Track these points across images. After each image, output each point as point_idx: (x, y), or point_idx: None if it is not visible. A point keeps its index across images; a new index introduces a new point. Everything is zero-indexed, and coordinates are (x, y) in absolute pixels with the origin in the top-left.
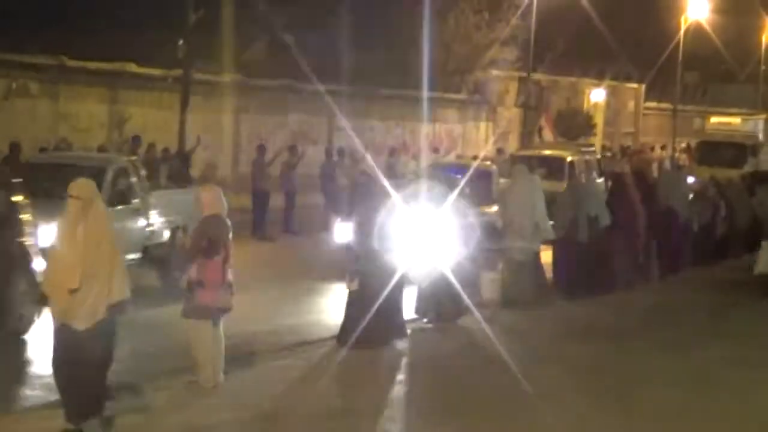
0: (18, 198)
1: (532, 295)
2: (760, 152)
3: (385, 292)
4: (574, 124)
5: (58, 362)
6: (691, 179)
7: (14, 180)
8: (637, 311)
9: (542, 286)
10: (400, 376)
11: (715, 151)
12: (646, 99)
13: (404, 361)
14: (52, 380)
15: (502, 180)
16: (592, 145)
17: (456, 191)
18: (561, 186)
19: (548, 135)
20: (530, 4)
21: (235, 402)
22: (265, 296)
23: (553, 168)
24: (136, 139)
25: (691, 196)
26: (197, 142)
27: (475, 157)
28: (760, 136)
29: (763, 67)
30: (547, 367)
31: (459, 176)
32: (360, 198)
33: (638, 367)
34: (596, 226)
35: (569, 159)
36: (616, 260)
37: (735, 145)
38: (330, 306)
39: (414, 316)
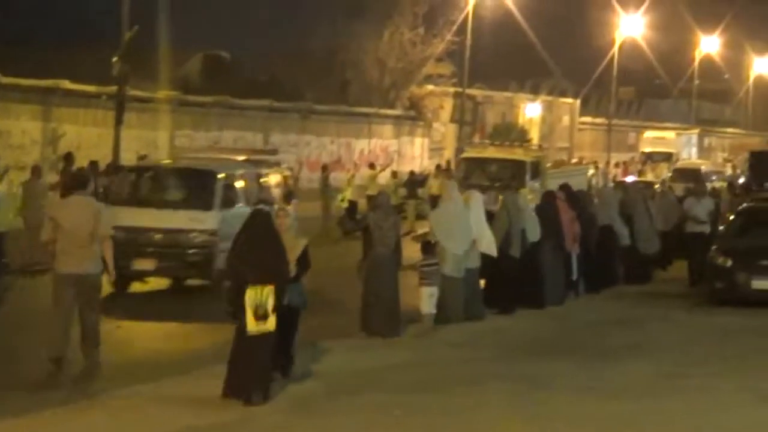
0: None
1: (461, 311)
2: (544, 172)
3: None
4: (509, 139)
5: None
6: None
7: None
8: (566, 325)
9: (475, 300)
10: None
11: (485, 170)
12: (581, 114)
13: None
14: None
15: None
16: (540, 146)
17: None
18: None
19: None
20: (465, 21)
21: None
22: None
23: (512, 172)
24: (68, 157)
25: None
26: (139, 159)
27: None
28: (693, 151)
29: (696, 83)
30: (482, 381)
31: None
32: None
33: (568, 380)
34: (525, 239)
35: (529, 161)
36: (547, 275)
37: (511, 162)
38: None
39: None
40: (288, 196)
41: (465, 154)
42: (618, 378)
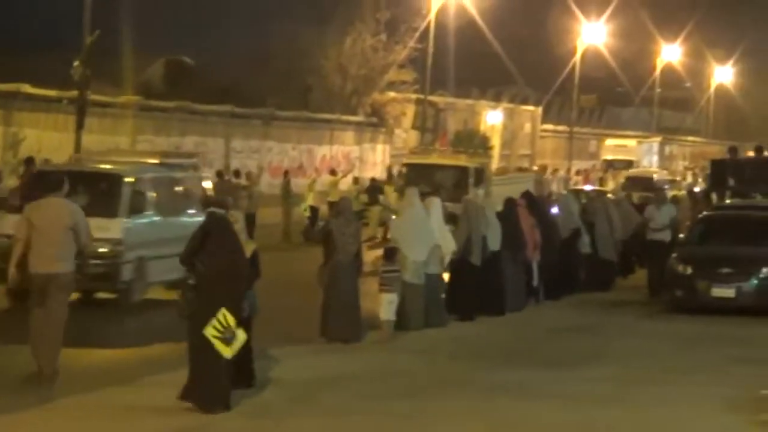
0: None
1: (422, 318)
2: (488, 179)
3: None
4: (471, 146)
5: None
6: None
7: None
8: (526, 332)
9: (436, 307)
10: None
11: (427, 177)
12: (543, 121)
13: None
14: None
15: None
16: (485, 153)
17: None
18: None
19: None
20: (428, 28)
21: None
22: None
23: (455, 179)
24: (29, 161)
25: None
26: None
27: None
28: (655, 159)
29: (658, 91)
30: (443, 388)
31: None
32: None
33: (529, 388)
34: (486, 246)
35: (473, 167)
36: (507, 282)
37: (454, 169)
38: None
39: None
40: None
41: (407, 160)
42: (579, 385)
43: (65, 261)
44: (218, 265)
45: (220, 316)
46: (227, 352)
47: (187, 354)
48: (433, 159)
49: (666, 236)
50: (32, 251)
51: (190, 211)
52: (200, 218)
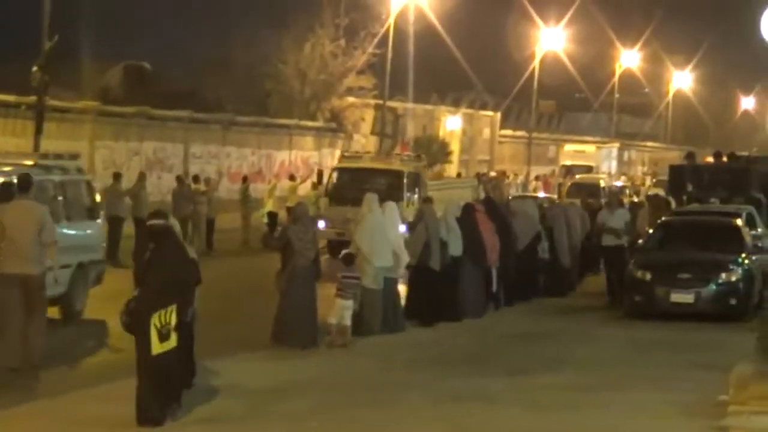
0: None
1: (379, 323)
2: (423, 184)
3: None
4: (430, 152)
5: None
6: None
7: None
8: (486, 338)
9: (395, 312)
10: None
11: (359, 181)
12: (502, 127)
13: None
14: None
15: None
16: (419, 156)
17: None
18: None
19: None
20: (387, 33)
21: None
22: None
23: (388, 183)
24: None
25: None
26: None
27: None
28: (614, 164)
29: (616, 96)
30: (398, 393)
31: None
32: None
33: (487, 393)
34: (446, 252)
35: (407, 171)
36: (466, 288)
37: (388, 173)
38: None
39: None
40: None
41: (338, 165)
42: (537, 391)
43: (36, 262)
44: (166, 276)
45: (169, 310)
46: (157, 348)
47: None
48: (366, 163)
49: (623, 241)
50: (3, 253)
51: (74, 218)
52: (87, 225)
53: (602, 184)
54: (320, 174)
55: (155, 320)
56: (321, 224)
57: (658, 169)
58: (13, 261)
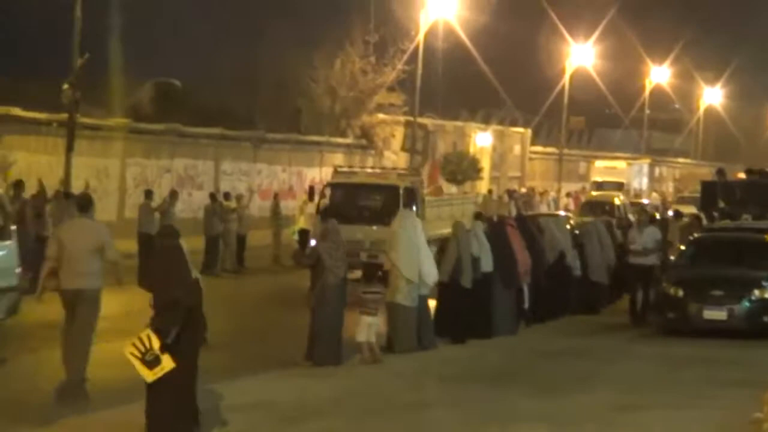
0: None
1: (414, 341)
2: (421, 200)
3: None
4: (460, 169)
5: None
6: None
7: None
8: (517, 355)
9: (427, 330)
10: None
11: (353, 198)
12: (532, 143)
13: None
14: None
15: None
16: (415, 171)
17: None
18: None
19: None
20: (416, 50)
21: None
22: None
23: (384, 200)
24: (18, 184)
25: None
26: (86, 187)
27: None
28: (644, 180)
29: (647, 112)
30: (428, 411)
31: None
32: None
33: (518, 410)
34: (478, 268)
35: (404, 187)
36: (498, 304)
37: (383, 189)
38: None
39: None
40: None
41: (331, 180)
42: (569, 408)
43: (91, 277)
44: (168, 296)
45: (143, 335)
46: (148, 375)
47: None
48: (360, 178)
49: (650, 260)
50: (61, 269)
51: None
52: None
53: (617, 201)
54: (311, 190)
55: (130, 350)
56: (313, 242)
57: (680, 185)
58: (71, 277)
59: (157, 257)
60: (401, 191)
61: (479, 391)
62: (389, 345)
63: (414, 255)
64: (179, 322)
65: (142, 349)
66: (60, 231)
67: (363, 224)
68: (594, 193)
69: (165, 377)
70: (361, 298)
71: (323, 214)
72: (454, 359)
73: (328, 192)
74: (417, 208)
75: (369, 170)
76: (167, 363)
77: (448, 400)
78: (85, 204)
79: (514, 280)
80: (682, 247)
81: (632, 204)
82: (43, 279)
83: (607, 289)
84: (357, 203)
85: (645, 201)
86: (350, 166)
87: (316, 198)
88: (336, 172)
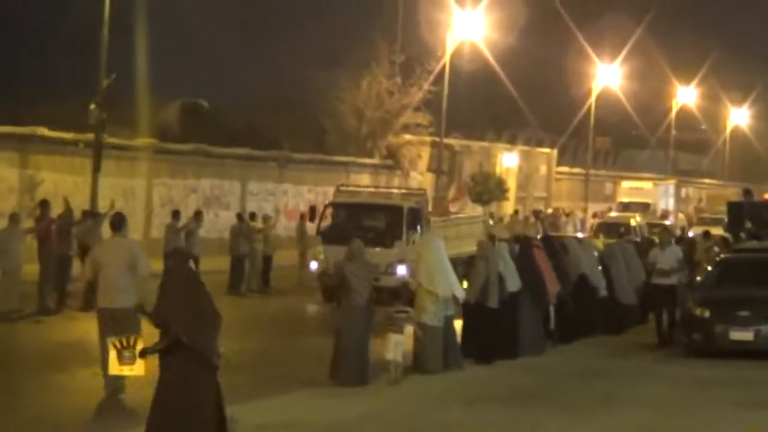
0: None
1: (441, 361)
2: (426, 220)
3: None
4: (487, 189)
5: None
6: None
7: None
8: (543, 376)
9: (453, 350)
10: None
11: (356, 218)
12: (558, 163)
13: None
14: None
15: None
16: (420, 190)
17: None
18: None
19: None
20: (443, 70)
21: None
22: None
23: (387, 220)
24: (44, 204)
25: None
26: (112, 206)
27: None
28: (671, 201)
29: (673, 133)
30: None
31: None
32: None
33: (540, 430)
34: (504, 289)
35: (408, 207)
36: (524, 325)
37: (386, 209)
38: None
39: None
40: None
41: (333, 199)
42: (595, 429)
43: (126, 295)
44: (184, 322)
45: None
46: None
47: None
48: (363, 198)
49: (673, 280)
50: (98, 288)
51: None
52: None
53: (633, 222)
54: (312, 210)
55: (113, 341)
56: (313, 266)
57: (702, 205)
58: (108, 295)
59: (165, 281)
60: (405, 211)
61: (505, 411)
62: (416, 365)
63: (440, 275)
64: (163, 347)
65: (124, 344)
66: (95, 251)
67: (366, 246)
68: (613, 214)
69: (175, 401)
70: (390, 317)
71: (324, 235)
72: (480, 379)
73: (329, 212)
74: (421, 228)
75: (372, 190)
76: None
77: (473, 420)
78: (118, 223)
79: (541, 301)
80: (709, 268)
81: (653, 225)
82: (84, 294)
83: (635, 309)
84: (359, 224)
85: (667, 222)
86: (354, 185)
87: (317, 219)
88: (338, 191)
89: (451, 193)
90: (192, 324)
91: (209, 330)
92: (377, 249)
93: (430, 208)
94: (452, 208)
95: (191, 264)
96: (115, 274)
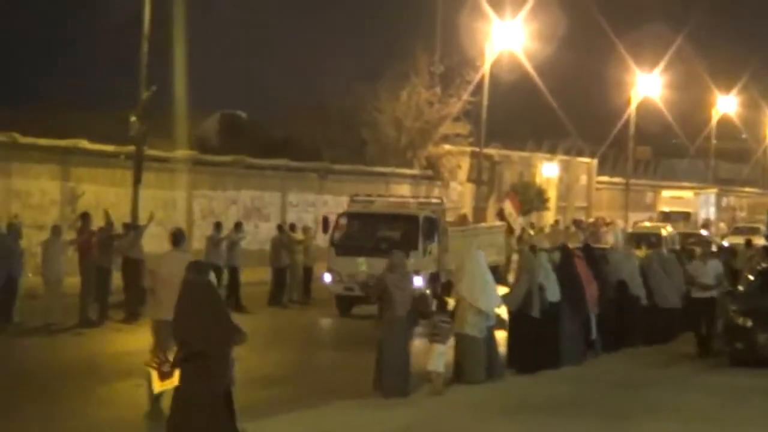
0: None
1: (483, 372)
2: (443, 230)
3: None
4: (527, 199)
5: None
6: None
7: None
8: (584, 385)
9: (495, 361)
10: None
11: (370, 229)
12: (599, 173)
13: None
14: None
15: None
16: (438, 199)
17: None
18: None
19: (515, 223)
20: (482, 81)
21: None
22: None
23: (402, 230)
24: (85, 216)
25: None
26: (151, 218)
27: None
28: (712, 210)
29: (714, 142)
30: None
31: None
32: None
33: None
34: (545, 298)
35: (423, 216)
36: (565, 335)
37: (401, 219)
38: None
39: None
40: None
41: (347, 209)
42: None
43: None
44: (200, 334)
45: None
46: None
47: None
48: (377, 208)
49: (713, 293)
50: (155, 300)
51: None
52: None
53: (664, 233)
54: (325, 221)
55: (149, 362)
56: (326, 278)
57: (738, 214)
58: (167, 308)
59: (183, 292)
60: (420, 221)
61: (546, 421)
62: (456, 375)
63: (481, 286)
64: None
65: (160, 360)
66: (154, 264)
67: (380, 257)
68: (645, 224)
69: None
70: (435, 326)
71: (337, 246)
72: (522, 389)
73: (343, 222)
74: (438, 238)
75: (386, 199)
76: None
77: (515, 430)
78: (178, 238)
79: (582, 310)
80: (750, 277)
81: (687, 235)
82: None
83: (677, 316)
84: (374, 234)
85: (703, 232)
86: (368, 195)
87: (330, 229)
88: (352, 201)
89: (491, 202)
90: (207, 336)
91: (225, 343)
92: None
93: (470, 219)
94: (514, 225)
95: (212, 276)
96: (174, 288)
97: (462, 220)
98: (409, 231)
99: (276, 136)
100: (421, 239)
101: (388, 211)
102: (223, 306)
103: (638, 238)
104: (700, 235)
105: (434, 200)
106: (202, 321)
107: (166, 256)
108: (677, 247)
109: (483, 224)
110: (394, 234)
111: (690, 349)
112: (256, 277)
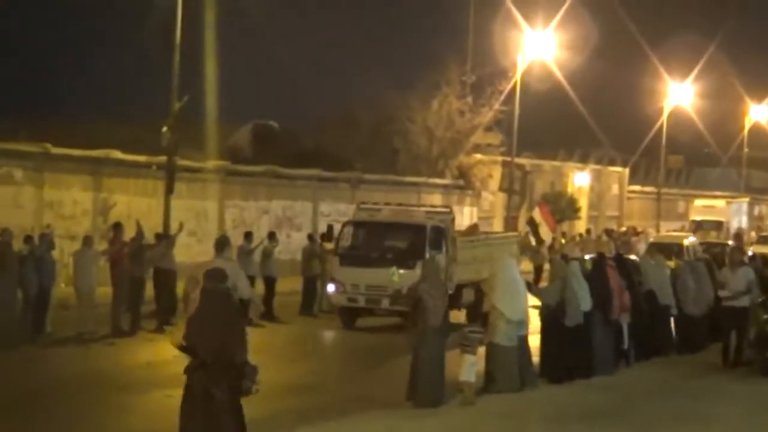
0: None
1: (515, 381)
2: (451, 240)
3: None
4: (558, 208)
5: None
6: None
7: None
8: (618, 394)
9: (527, 370)
10: None
11: (375, 237)
12: (630, 182)
13: None
14: None
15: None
16: (447, 208)
17: None
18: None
19: (546, 232)
20: (513, 90)
21: None
22: None
23: (409, 240)
24: (117, 227)
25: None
26: (180, 228)
27: None
28: (744, 219)
29: (746, 151)
30: None
31: None
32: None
33: None
34: (578, 309)
35: (431, 225)
36: (597, 344)
37: (408, 228)
38: None
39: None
40: None
41: (353, 218)
42: None
43: None
44: (208, 348)
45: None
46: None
47: None
48: (383, 216)
49: (744, 301)
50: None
51: None
52: None
53: (685, 243)
54: (330, 229)
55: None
56: (331, 288)
57: (763, 224)
58: None
59: (201, 301)
60: (428, 230)
61: (578, 430)
62: (487, 385)
63: (514, 295)
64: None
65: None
66: (197, 272)
67: (386, 267)
68: (669, 233)
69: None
70: (466, 337)
71: (341, 256)
72: (555, 399)
73: (348, 231)
74: (446, 248)
75: (394, 207)
76: None
77: None
78: (221, 245)
79: (613, 320)
80: None
81: (712, 245)
82: (158, 317)
83: (706, 324)
84: (380, 244)
85: (731, 243)
86: (375, 203)
87: (336, 238)
88: (358, 209)
89: (522, 212)
90: (217, 344)
91: (234, 352)
92: (401, 271)
93: (502, 228)
94: (543, 234)
95: (228, 284)
96: None
97: (472, 229)
98: (415, 240)
99: (308, 145)
100: (429, 249)
101: (394, 220)
102: (238, 315)
103: (659, 248)
104: (726, 245)
105: (442, 209)
106: (215, 328)
107: (209, 263)
108: (701, 256)
109: (495, 234)
110: (401, 243)
111: (720, 359)
112: (287, 286)
